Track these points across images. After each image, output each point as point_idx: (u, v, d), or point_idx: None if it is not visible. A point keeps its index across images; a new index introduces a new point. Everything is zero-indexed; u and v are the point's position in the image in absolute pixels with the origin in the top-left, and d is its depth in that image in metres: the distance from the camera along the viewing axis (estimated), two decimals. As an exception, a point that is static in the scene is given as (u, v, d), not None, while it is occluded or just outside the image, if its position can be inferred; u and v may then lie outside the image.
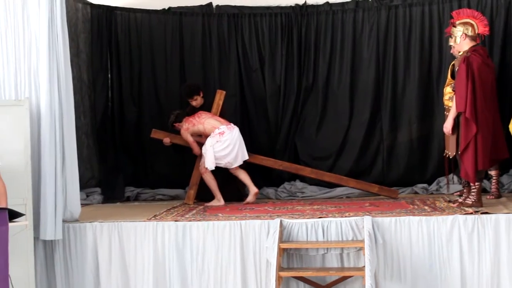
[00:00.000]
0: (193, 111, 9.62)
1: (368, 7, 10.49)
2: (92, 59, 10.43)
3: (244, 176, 9.32)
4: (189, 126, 9.34)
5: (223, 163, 9.16)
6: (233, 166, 9.22)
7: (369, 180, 10.03)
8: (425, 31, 10.23)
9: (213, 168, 9.15)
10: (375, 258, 6.82)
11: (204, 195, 9.44)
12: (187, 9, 10.82)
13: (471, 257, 6.99)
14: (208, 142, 9.16)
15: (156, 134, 9.81)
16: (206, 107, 9.67)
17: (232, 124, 9.30)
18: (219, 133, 9.12)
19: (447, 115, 8.15)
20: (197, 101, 9.67)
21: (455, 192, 9.21)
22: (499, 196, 8.77)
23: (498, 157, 8.25)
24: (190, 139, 9.37)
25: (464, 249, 7.00)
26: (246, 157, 9.29)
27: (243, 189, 9.67)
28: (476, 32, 7.87)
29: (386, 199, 9.36)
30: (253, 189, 9.28)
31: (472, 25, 7.85)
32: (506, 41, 9.90)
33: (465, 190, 8.27)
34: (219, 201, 9.18)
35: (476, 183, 7.75)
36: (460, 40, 7.85)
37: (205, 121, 9.25)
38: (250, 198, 9.27)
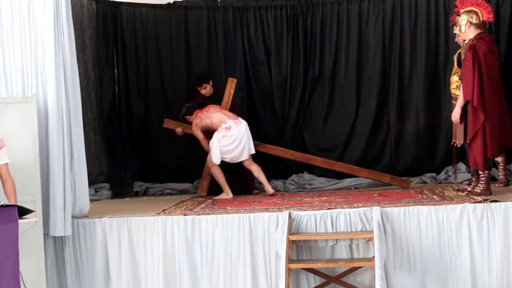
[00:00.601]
0: (203, 102, 9.61)
1: (373, -3, 10.47)
2: (98, 54, 10.44)
3: (258, 174, 9.32)
4: (197, 122, 9.35)
5: (229, 158, 9.17)
6: (239, 161, 9.23)
7: (377, 170, 10.01)
8: (431, 20, 10.22)
9: (219, 163, 9.16)
10: (384, 249, 6.82)
11: (215, 188, 9.44)
12: (192, 2, 10.83)
13: (480, 246, 6.97)
14: (215, 136, 9.18)
15: (168, 124, 9.85)
16: (216, 97, 9.67)
17: (239, 119, 9.28)
18: (226, 127, 9.12)
19: (455, 104, 8.13)
20: (206, 89, 9.66)
21: (464, 181, 9.19)
22: (507, 183, 8.74)
23: (506, 144, 8.23)
24: (200, 135, 9.39)
25: (474, 238, 6.98)
26: (253, 151, 9.28)
27: (252, 182, 9.68)
28: (481, 19, 7.85)
29: (395, 189, 9.35)
30: (269, 190, 9.25)
31: (476, 13, 7.83)
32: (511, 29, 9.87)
33: (473, 179, 8.26)
34: (227, 194, 9.19)
35: (485, 172, 7.73)
36: (465, 28, 7.84)
37: (212, 115, 9.25)
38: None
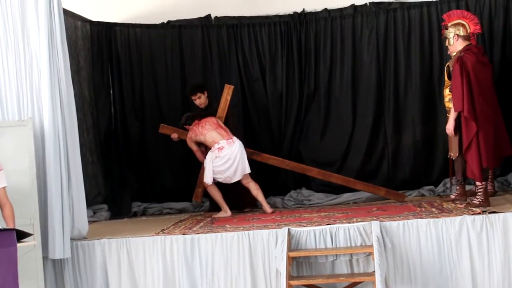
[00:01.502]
0: (203, 113, 9.57)
1: (366, 11, 10.51)
2: (93, 75, 10.45)
3: (256, 192, 9.25)
4: (192, 135, 9.36)
5: (222, 178, 9.14)
6: (232, 181, 9.17)
7: (375, 184, 10.01)
8: (424, 33, 10.26)
9: (210, 183, 9.14)
10: (384, 263, 6.81)
11: (216, 205, 9.42)
12: (186, 21, 10.85)
13: (481, 258, 6.96)
14: (208, 156, 9.17)
15: (164, 129, 9.84)
16: (211, 109, 9.64)
17: (233, 138, 9.21)
18: (218, 148, 9.10)
19: (448, 117, 8.18)
20: (200, 99, 9.65)
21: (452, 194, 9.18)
22: (494, 193, 8.82)
23: (502, 154, 8.26)
24: (194, 147, 9.42)
25: (474, 250, 6.98)
26: (247, 171, 9.19)
27: (246, 199, 9.60)
28: (468, 31, 7.93)
29: (394, 203, 9.34)
30: (266, 210, 9.15)
31: (463, 25, 7.95)
32: (505, 39, 9.93)
33: (457, 192, 8.29)
34: (225, 212, 9.16)
35: (482, 183, 7.75)
36: (453, 41, 7.98)
37: (207, 133, 9.24)
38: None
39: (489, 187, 8.81)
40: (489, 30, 9.96)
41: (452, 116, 7.95)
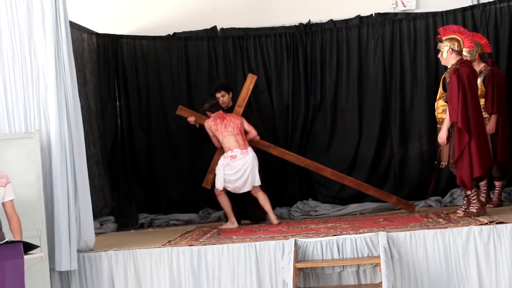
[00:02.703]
0: (226, 109, 9.51)
1: (372, 22, 10.54)
2: (100, 88, 10.48)
3: (264, 202, 9.18)
4: (211, 125, 9.24)
5: (231, 187, 9.11)
6: (241, 191, 9.15)
7: (381, 195, 10.01)
8: (430, 43, 10.26)
9: (221, 189, 9.12)
10: (391, 274, 6.79)
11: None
12: (192, 33, 10.88)
13: (488, 268, 6.94)
14: (220, 162, 9.14)
15: (181, 111, 9.64)
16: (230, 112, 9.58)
17: (248, 149, 9.14)
18: (231, 156, 9.07)
19: (440, 128, 8.26)
20: (224, 98, 9.56)
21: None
22: (499, 205, 8.93)
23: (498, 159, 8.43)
24: (210, 133, 9.30)
25: (481, 260, 6.96)
26: (258, 183, 9.14)
27: (253, 210, 9.58)
28: (462, 47, 8.04)
29: (400, 213, 9.33)
30: (273, 221, 9.10)
31: (458, 41, 8.05)
32: (511, 48, 9.91)
33: (464, 202, 8.34)
34: (232, 223, 9.15)
35: (472, 191, 7.89)
36: (447, 54, 8.10)
37: (226, 136, 9.14)
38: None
39: (494, 198, 8.90)
40: (495, 40, 9.96)
41: (445, 125, 8.06)
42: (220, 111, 9.32)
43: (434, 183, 9.13)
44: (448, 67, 8.12)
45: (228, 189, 9.13)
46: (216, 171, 9.22)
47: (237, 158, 9.05)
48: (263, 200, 9.18)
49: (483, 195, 8.86)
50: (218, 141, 9.26)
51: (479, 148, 7.76)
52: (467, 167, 7.73)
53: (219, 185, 9.11)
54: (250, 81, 9.59)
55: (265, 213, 9.39)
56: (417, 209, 9.63)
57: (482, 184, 8.84)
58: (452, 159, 7.92)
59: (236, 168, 9.04)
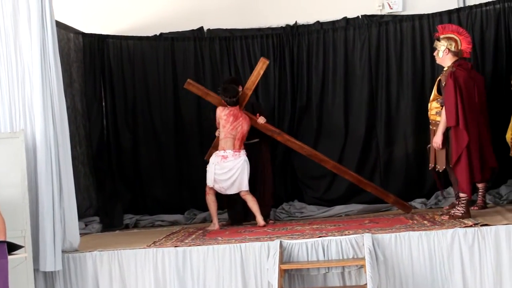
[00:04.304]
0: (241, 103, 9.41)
1: (358, 24, 10.55)
2: (86, 88, 10.45)
3: (252, 204, 9.14)
4: (222, 117, 9.16)
5: (217, 187, 9.11)
6: (226, 193, 9.14)
7: (367, 196, 10.02)
8: (416, 45, 10.30)
9: (211, 186, 9.09)
10: (376, 275, 6.80)
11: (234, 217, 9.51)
12: (179, 34, 10.86)
13: (472, 270, 6.97)
14: (212, 159, 9.14)
15: (189, 85, 9.50)
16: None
17: (241, 152, 9.12)
18: (222, 156, 9.06)
19: (433, 130, 8.24)
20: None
21: (445, 207, 9.26)
22: (483, 207, 8.93)
23: (487, 165, 8.38)
24: (218, 119, 9.25)
25: (466, 262, 6.98)
26: (245, 188, 9.08)
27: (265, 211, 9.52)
28: (459, 48, 7.98)
29: (386, 215, 9.36)
30: (260, 222, 9.05)
31: (456, 41, 7.99)
32: (497, 51, 9.98)
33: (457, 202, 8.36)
34: (214, 225, 9.13)
35: (464, 195, 7.90)
36: (443, 54, 8.02)
37: (226, 137, 9.09)
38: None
39: (479, 201, 8.91)
40: (480, 42, 10.01)
41: (440, 129, 8.00)
42: (237, 108, 9.25)
43: (439, 183, 9.04)
44: (444, 67, 8.07)
45: (215, 188, 9.12)
46: (207, 168, 9.18)
47: (228, 159, 9.04)
48: (251, 202, 9.15)
49: (480, 197, 8.92)
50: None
51: (477, 152, 7.73)
52: (466, 172, 7.69)
53: (209, 181, 9.10)
54: (261, 66, 9.41)
55: (267, 214, 9.44)
56: (402, 211, 9.61)
57: (481, 186, 8.90)
58: (450, 164, 7.89)
59: (226, 169, 9.03)
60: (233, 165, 9.05)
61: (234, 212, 9.55)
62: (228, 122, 9.13)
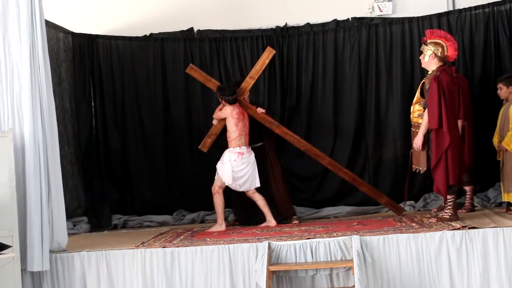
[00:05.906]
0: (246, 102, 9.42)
1: (348, 26, 10.57)
2: (75, 87, 10.42)
3: (263, 204, 9.12)
4: (234, 116, 9.12)
5: (233, 184, 9.04)
6: (240, 190, 9.09)
7: (355, 198, 10.04)
8: (406, 48, 10.33)
9: (230, 183, 9.01)
10: (364, 277, 6.81)
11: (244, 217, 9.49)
12: (169, 34, 10.85)
13: (460, 273, 6.99)
14: (226, 156, 9.05)
15: (191, 70, 9.47)
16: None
17: (250, 148, 9.17)
18: (239, 153, 9.02)
19: (415, 132, 8.29)
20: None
21: (433, 209, 9.31)
22: (471, 210, 9.02)
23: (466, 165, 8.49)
24: (224, 118, 9.19)
25: (453, 265, 7.01)
26: (257, 185, 9.09)
27: (287, 209, 9.53)
28: (445, 53, 8.03)
29: (374, 217, 9.38)
30: (271, 222, 9.04)
31: (442, 47, 8.05)
32: (486, 54, 10.03)
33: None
34: (220, 226, 9.04)
35: (451, 197, 7.93)
36: (429, 58, 8.09)
37: (241, 134, 9.09)
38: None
39: (467, 203, 8.96)
40: (470, 45, 10.06)
41: (422, 131, 8.08)
42: (238, 105, 9.21)
43: (407, 186, 9.12)
44: (428, 71, 8.12)
45: (230, 186, 9.06)
46: (220, 167, 9.07)
47: (244, 156, 9.03)
48: (261, 201, 9.12)
49: (468, 200, 9.00)
50: (219, 123, 9.28)
51: (454, 156, 7.81)
52: (443, 174, 7.79)
53: (227, 179, 9.00)
54: (267, 55, 9.37)
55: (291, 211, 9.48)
56: (391, 213, 9.62)
57: (468, 189, 8.97)
58: (429, 166, 7.96)
59: (243, 165, 9.00)
60: (248, 161, 9.06)
61: (244, 213, 9.50)
62: (240, 120, 9.13)
